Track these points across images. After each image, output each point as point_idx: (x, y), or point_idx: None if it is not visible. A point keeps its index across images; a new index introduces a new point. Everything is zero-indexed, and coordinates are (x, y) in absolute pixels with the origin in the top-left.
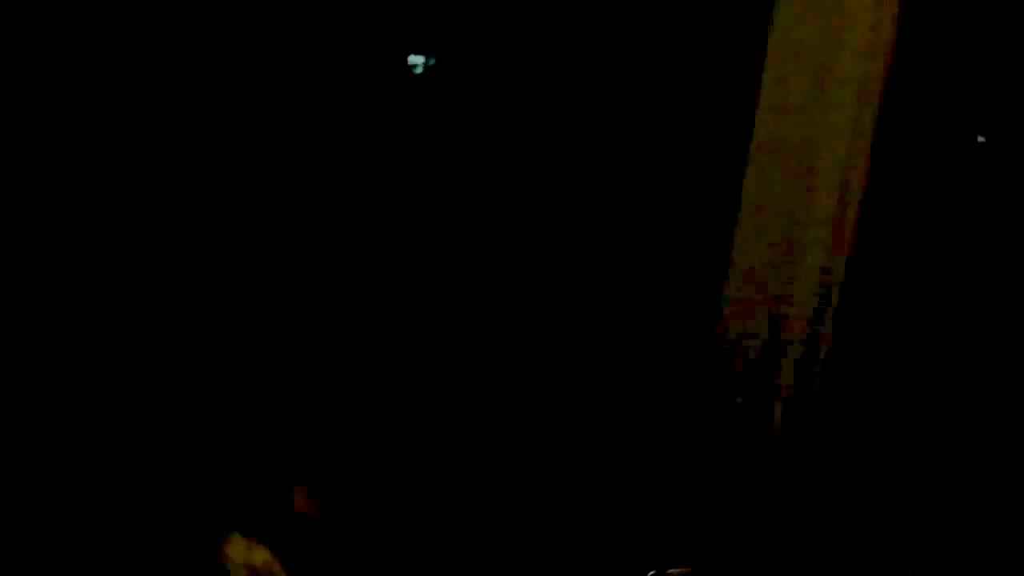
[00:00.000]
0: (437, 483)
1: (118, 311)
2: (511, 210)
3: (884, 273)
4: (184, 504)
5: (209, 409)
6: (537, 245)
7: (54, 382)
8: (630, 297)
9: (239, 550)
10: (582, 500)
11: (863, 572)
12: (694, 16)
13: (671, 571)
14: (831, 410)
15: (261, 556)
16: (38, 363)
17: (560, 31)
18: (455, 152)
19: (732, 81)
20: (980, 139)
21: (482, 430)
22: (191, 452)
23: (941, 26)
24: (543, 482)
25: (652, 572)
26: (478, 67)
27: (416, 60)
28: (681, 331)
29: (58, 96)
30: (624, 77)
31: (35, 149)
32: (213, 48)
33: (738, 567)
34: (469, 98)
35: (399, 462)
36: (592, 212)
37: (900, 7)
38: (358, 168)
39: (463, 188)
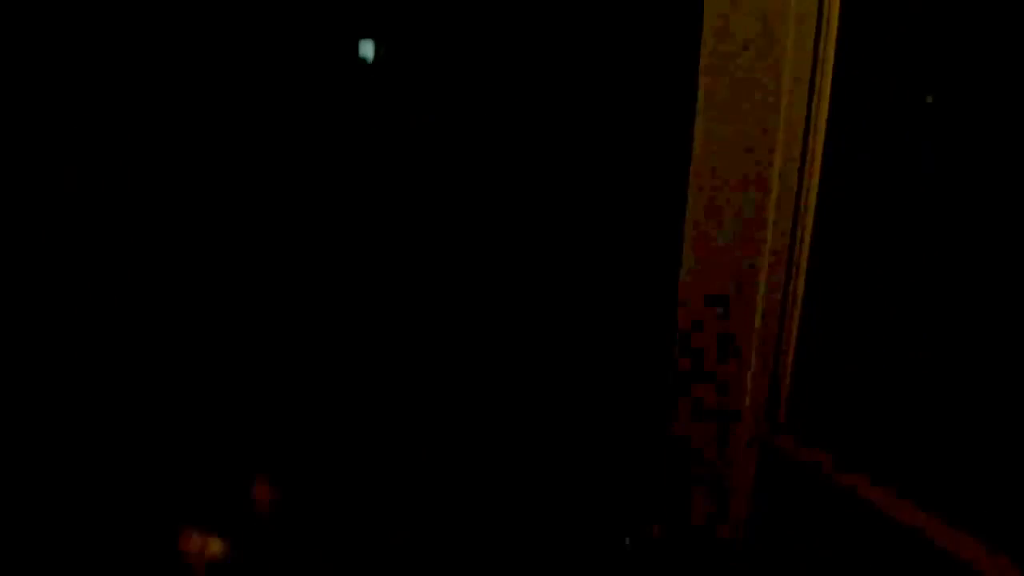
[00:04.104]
0: (393, 474)
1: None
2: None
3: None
4: (142, 496)
5: (170, 401)
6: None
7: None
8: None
9: (196, 542)
10: (551, 466)
11: None
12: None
13: (647, 531)
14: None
15: (217, 547)
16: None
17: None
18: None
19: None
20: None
21: (442, 421)
22: (150, 444)
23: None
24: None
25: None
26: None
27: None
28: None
29: (59, 96)
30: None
31: (36, 149)
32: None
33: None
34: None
35: (355, 454)
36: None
37: None
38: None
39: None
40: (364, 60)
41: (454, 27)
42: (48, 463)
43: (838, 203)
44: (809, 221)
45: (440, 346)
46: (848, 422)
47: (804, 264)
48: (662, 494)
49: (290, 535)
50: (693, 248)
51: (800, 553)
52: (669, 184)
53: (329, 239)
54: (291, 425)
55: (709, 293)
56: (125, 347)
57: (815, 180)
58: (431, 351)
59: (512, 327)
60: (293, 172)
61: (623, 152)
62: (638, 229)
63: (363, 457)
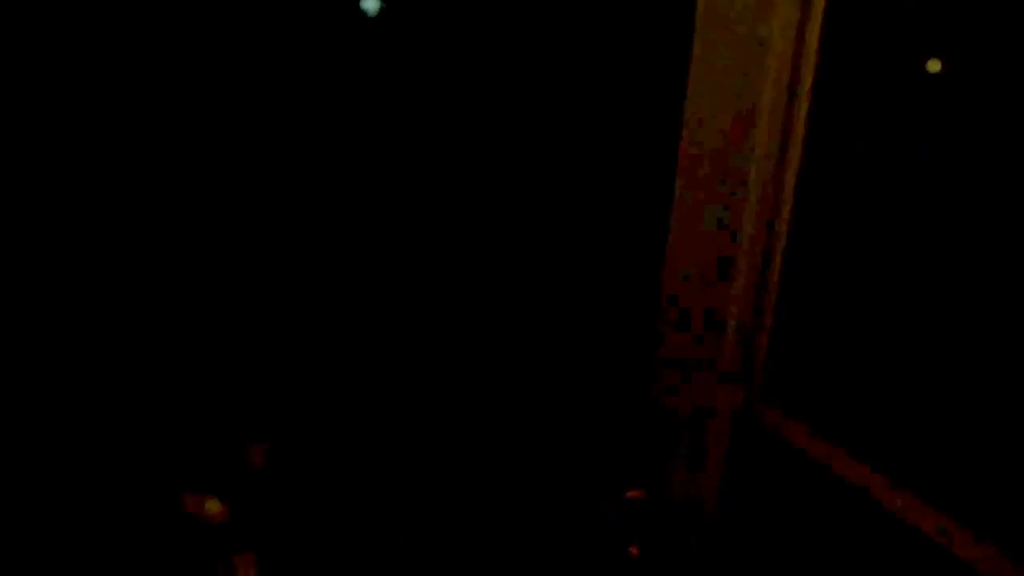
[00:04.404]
0: (383, 439)
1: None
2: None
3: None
4: (142, 457)
5: (168, 367)
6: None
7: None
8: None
9: (194, 502)
10: (536, 428)
11: None
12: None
13: (628, 495)
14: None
15: (214, 507)
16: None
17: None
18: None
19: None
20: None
21: (429, 394)
22: (150, 408)
23: None
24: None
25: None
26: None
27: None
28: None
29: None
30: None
31: (34, 149)
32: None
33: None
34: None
35: (350, 421)
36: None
37: None
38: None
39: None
40: (365, 12)
41: None
42: (59, 433)
43: (822, 189)
44: (791, 186)
45: (429, 301)
46: (824, 392)
47: (785, 234)
48: (643, 460)
49: (283, 496)
50: (678, 219)
51: (774, 514)
52: (654, 162)
53: (320, 221)
54: (283, 400)
55: (693, 263)
56: (132, 328)
57: (799, 142)
58: (417, 301)
59: (499, 297)
60: (285, 153)
61: (619, 116)
62: (625, 198)
63: (354, 422)
